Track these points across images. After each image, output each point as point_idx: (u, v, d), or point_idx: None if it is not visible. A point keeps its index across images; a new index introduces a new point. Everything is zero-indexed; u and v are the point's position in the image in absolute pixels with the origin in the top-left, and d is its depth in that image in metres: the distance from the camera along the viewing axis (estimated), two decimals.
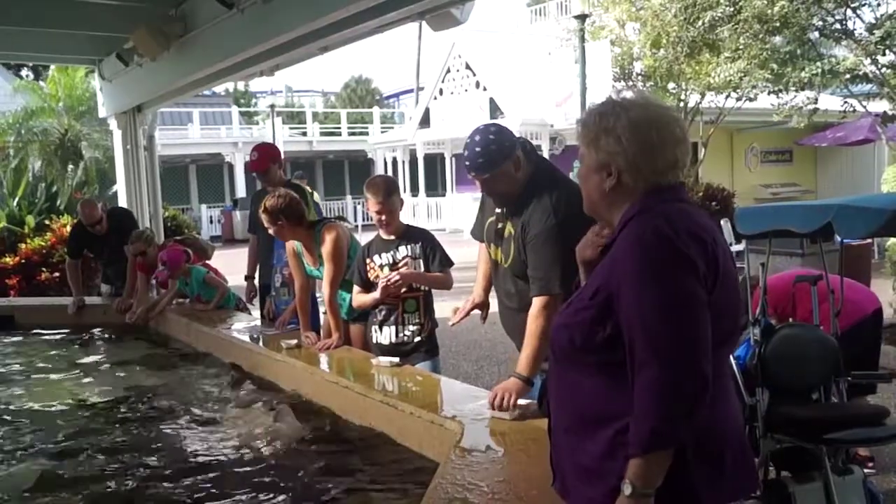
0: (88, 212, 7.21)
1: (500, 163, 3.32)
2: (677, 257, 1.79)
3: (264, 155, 5.89)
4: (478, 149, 3.34)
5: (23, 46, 8.84)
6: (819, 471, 3.78)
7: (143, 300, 6.89)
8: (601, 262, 1.95)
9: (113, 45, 8.18)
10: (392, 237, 4.36)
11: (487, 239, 3.67)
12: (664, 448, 1.76)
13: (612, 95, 2.05)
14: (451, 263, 4.38)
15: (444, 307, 4.21)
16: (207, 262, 7.13)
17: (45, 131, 17.59)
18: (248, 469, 3.65)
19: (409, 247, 4.32)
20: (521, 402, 3.22)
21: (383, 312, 4.35)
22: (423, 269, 4.30)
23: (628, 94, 2.05)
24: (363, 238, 5.03)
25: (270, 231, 4.80)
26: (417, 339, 4.33)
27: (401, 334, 4.33)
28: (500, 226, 3.52)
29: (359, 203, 29.25)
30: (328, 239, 4.61)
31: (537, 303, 3.27)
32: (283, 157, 6.22)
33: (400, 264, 4.30)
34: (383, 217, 4.27)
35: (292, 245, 4.87)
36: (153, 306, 6.81)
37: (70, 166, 17.05)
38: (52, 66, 17.76)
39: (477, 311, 3.96)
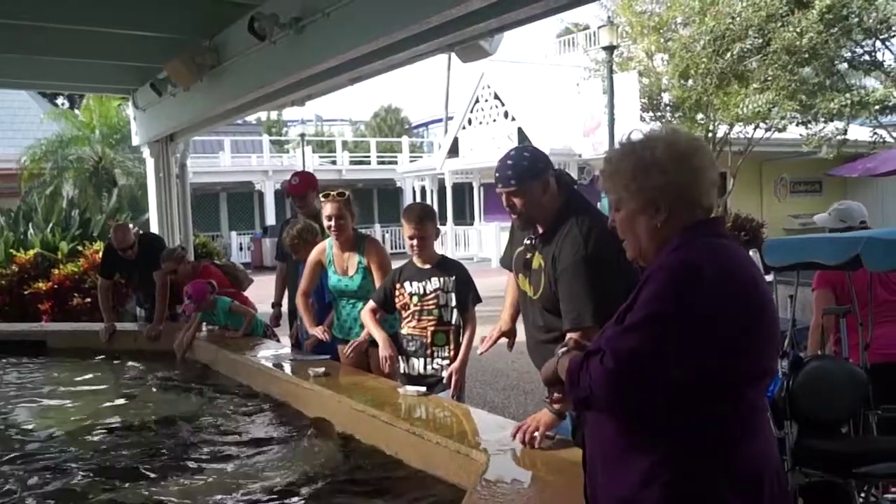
0: (121, 236, 7.19)
1: (527, 178, 3.34)
2: (699, 290, 1.78)
3: (305, 181, 6.14)
4: (509, 161, 3.38)
5: (60, 76, 9.05)
6: None
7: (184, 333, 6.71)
8: (631, 298, 1.93)
9: (147, 75, 8.32)
10: (426, 266, 4.39)
11: (516, 269, 3.67)
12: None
13: (628, 136, 2.03)
14: (479, 301, 4.43)
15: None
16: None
17: (80, 159, 17.88)
18: (266, 495, 3.66)
19: (441, 279, 4.34)
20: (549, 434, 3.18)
21: (412, 344, 4.37)
22: (453, 303, 4.32)
23: (636, 135, 2.03)
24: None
25: (333, 228, 4.83)
26: (446, 372, 4.32)
27: (429, 367, 4.34)
28: (528, 256, 3.52)
29: (387, 231, 29.44)
30: (378, 251, 4.92)
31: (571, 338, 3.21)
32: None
33: (429, 296, 4.32)
34: (415, 242, 4.32)
35: (318, 257, 5.02)
36: (180, 343, 6.67)
37: (103, 193, 17.29)
38: (88, 95, 18.11)
39: (504, 339, 3.97)
